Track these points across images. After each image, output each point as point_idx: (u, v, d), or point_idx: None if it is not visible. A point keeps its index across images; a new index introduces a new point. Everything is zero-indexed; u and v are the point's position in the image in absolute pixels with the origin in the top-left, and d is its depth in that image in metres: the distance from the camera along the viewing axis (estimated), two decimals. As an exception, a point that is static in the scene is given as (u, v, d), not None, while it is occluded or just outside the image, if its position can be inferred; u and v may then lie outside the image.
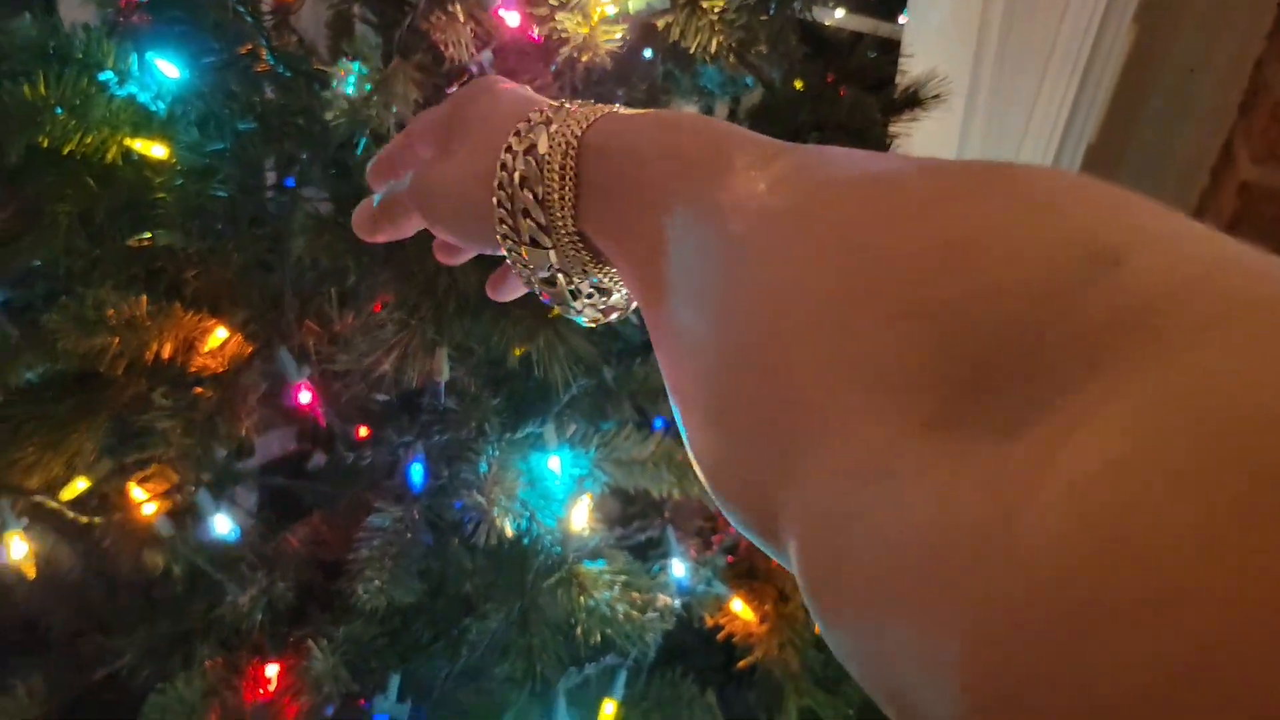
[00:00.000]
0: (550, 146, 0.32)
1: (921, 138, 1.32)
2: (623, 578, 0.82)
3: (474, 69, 0.73)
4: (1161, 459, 0.14)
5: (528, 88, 0.38)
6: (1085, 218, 0.19)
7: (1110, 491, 0.14)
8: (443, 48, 0.70)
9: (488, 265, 0.78)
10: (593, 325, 0.37)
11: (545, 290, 0.35)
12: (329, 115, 0.64)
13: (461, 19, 0.70)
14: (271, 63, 0.91)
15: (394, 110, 0.64)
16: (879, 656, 0.18)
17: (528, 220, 0.32)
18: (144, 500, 0.88)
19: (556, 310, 0.35)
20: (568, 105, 0.33)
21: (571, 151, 0.31)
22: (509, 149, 0.33)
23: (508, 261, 0.35)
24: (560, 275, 0.34)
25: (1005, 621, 0.15)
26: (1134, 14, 1.27)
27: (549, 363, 0.78)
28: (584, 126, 0.32)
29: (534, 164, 0.32)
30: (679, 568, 0.94)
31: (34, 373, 0.87)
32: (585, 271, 0.34)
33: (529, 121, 0.33)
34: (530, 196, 0.32)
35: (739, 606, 0.99)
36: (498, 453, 0.85)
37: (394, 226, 0.42)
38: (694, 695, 0.98)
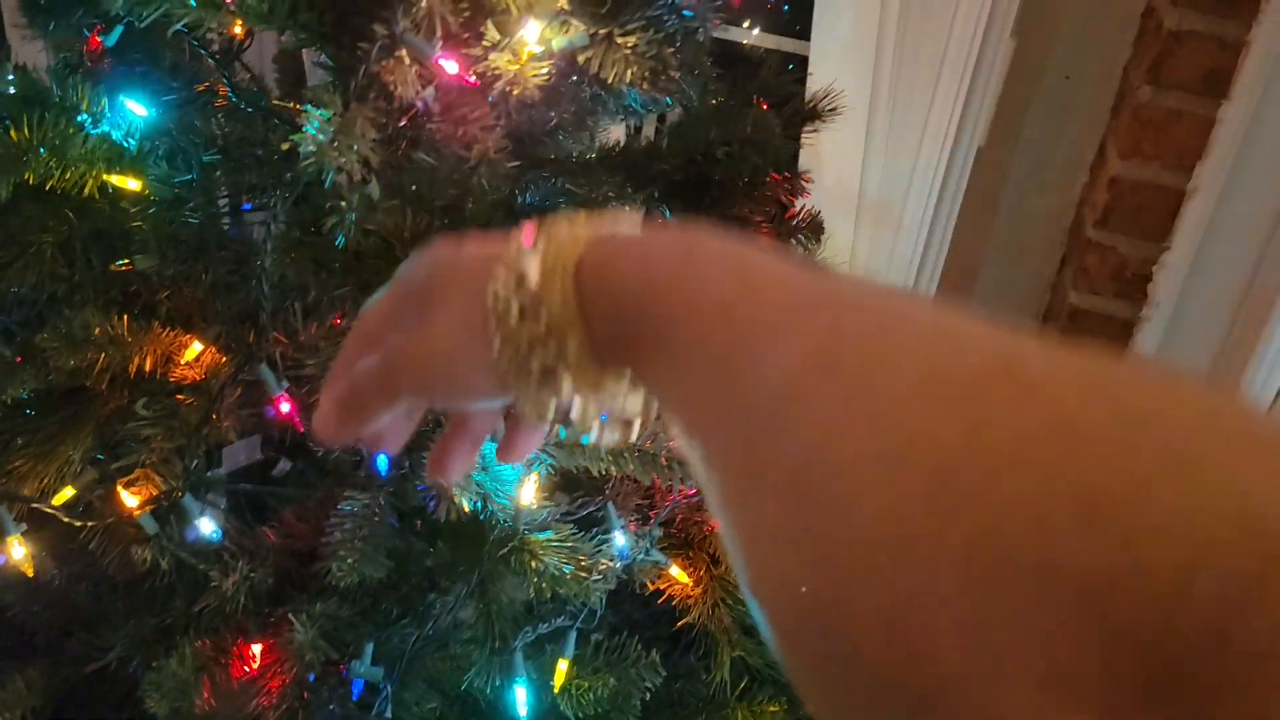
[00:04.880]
0: (544, 276, 0.30)
1: (830, 145, 1.45)
2: (569, 544, 0.93)
3: (419, 104, 0.83)
4: None
5: (471, 236, 0.36)
6: (1240, 487, 0.18)
7: None
8: (392, 88, 0.80)
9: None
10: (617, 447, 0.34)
11: (562, 422, 0.33)
12: (301, 159, 0.74)
13: (407, 63, 0.80)
14: (232, 99, 1.00)
15: (355, 149, 0.74)
16: None
17: (536, 356, 0.31)
18: (132, 504, 0.97)
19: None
20: (547, 232, 0.32)
21: (569, 278, 0.30)
22: (495, 294, 0.31)
23: (515, 407, 0.33)
24: (576, 400, 0.32)
25: None
26: (1012, 28, 1.41)
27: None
28: (577, 252, 0.30)
29: (528, 297, 0.30)
30: (620, 539, 1.05)
31: (24, 390, 0.96)
32: (599, 390, 0.32)
33: (504, 259, 0.32)
34: (538, 330, 0.30)
35: (676, 572, 1.11)
36: (453, 442, 0.95)
37: (362, 419, 0.37)
38: (640, 655, 1.09)
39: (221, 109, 1.08)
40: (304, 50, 1.27)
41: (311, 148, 0.74)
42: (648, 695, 1.10)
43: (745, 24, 1.73)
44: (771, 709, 1.27)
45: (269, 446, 1.64)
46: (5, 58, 0.97)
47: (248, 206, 1.16)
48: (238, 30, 1.07)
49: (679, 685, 1.25)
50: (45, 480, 0.98)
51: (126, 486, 1.00)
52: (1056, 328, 1.53)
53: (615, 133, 1.26)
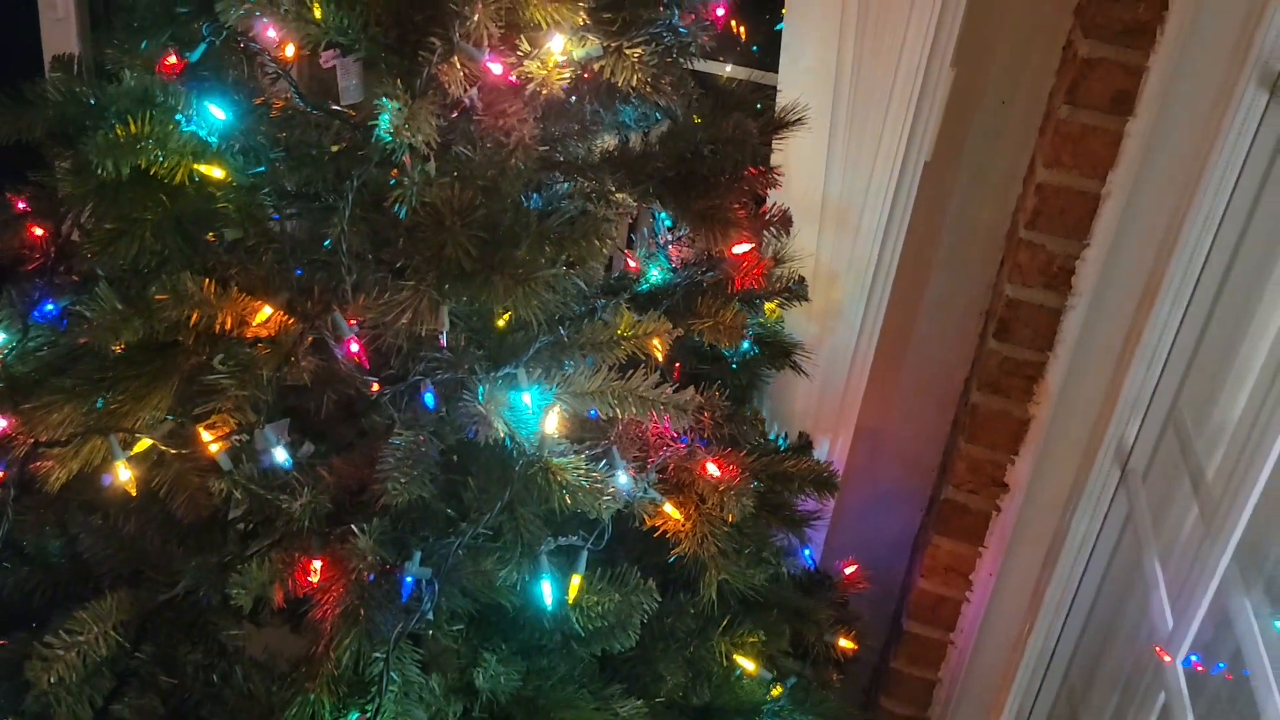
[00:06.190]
0: None
1: (796, 159, 1.67)
2: (584, 468, 1.12)
3: (467, 101, 1.04)
4: None
5: None
6: None
7: None
8: (446, 86, 1.01)
9: (481, 243, 1.08)
10: None
11: None
12: (378, 137, 0.94)
13: (459, 66, 1.01)
14: (299, 103, 1.20)
15: (422, 132, 0.95)
16: None
17: None
18: (210, 440, 1.15)
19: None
20: None
21: None
22: None
23: None
24: None
25: None
26: (952, 59, 1.64)
27: (525, 312, 1.08)
28: None
29: None
30: (623, 478, 1.23)
31: (131, 339, 1.14)
32: None
33: None
34: None
35: (669, 509, 1.29)
36: (486, 386, 1.14)
37: None
38: (639, 582, 1.28)
39: (279, 116, 1.27)
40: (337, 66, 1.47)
41: (391, 129, 0.94)
42: (645, 618, 1.29)
43: (720, 59, 1.97)
44: (751, 639, 1.46)
45: (295, 430, 1.82)
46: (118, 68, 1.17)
47: (276, 218, 1.35)
48: (288, 53, 1.27)
49: (670, 620, 1.44)
50: (138, 421, 1.16)
51: (205, 428, 1.18)
52: (996, 318, 1.74)
53: (610, 143, 1.47)
